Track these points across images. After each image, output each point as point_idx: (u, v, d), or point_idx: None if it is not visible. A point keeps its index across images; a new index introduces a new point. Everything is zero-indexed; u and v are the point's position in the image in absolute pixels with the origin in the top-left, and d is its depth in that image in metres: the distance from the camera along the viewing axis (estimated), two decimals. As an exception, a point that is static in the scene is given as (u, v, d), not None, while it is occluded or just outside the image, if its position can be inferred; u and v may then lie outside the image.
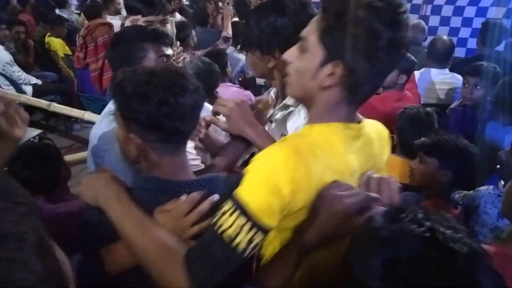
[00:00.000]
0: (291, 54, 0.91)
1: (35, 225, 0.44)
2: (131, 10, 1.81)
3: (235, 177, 0.91)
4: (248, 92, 3.07)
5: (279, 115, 1.26)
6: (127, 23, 1.86)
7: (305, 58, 0.86)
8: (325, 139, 0.86)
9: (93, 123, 3.10)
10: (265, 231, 0.80)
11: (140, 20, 1.82)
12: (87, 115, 3.39)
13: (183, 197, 0.94)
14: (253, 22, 1.20)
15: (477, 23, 5.26)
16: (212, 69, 2.43)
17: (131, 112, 0.92)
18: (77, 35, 4.19)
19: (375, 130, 0.98)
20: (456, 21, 5.88)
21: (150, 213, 0.92)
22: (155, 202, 0.94)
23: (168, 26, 1.87)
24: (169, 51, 1.40)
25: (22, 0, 5.48)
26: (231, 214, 0.79)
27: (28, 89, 4.27)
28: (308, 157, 0.82)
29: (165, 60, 1.36)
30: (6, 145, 0.96)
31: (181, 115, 0.92)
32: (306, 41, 0.86)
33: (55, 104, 3.71)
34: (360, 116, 0.95)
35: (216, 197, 0.96)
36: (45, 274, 0.41)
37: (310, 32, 0.86)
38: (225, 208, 0.81)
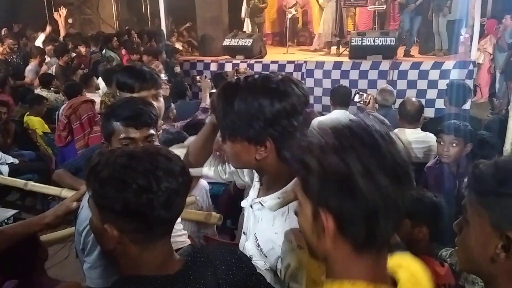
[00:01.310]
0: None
1: None
2: (122, 87, 1.76)
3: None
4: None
5: (267, 203, 1.12)
6: None
7: (301, 214, 0.76)
8: None
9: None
10: None
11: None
12: (65, 193, 3.30)
13: None
14: (239, 106, 1.00)
15: (442, 84, 5.59)
16: (182, 138, 2.42)
17: (106, 199, 0.82)
18: (57, 113, 4.23)
19: None
20: (422, 84, 6.23)
21: None
22: None
23: (161, 99, 1.86)
24: (150, 131, 1.38)
25: (0, 82, 5.56)
26: None
27: (4, 168, 4.19)
28: None
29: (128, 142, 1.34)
30: None
31: (165, 202, 0.82)
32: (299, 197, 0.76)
33: (31, 183, 3.61)
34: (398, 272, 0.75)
35: None
36: None
37: (297, 187, 0.76)
38: None
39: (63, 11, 7.68)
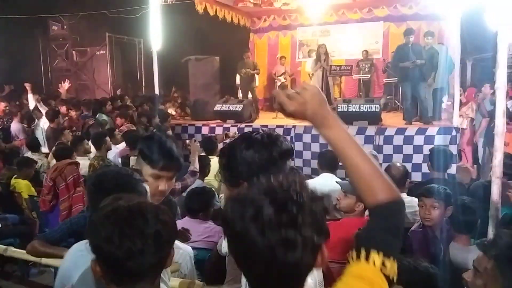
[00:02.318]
0: None
1: None
2: (145, 159, 1.77)
3: None
4: (220, 228, 3.09)
5: None
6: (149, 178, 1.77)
7: None
8: None
9: (52, 267, 2.92)
10: None
11: (150, 170, 1.76)
12: (45, 259, 3.22)
13: None
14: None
15: (427, 149, 5.73)
16: (171, 203, 2.45)
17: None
18: (45, 177, 4.25)
19: None
20: (408, 149, 6.37)
21: None
22: None
23: (173, 182, 1.89)
24: None
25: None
26: None
27: (-13, 232, 4.10)
28: None
29: None
30: None
31: (127, 257, 0.96)
32: None
33: (12, 249, 3.51)
34: None
35: None
36: None
37: None
38: None
39: (66, 84, 8.27)
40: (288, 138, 7.00)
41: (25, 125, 6.77)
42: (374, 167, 0.97)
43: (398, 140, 6.44)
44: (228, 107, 8.11)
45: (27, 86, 7.54)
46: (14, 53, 11.88)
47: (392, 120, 7.67)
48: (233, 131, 7.03)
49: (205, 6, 9.20)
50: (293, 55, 11.72)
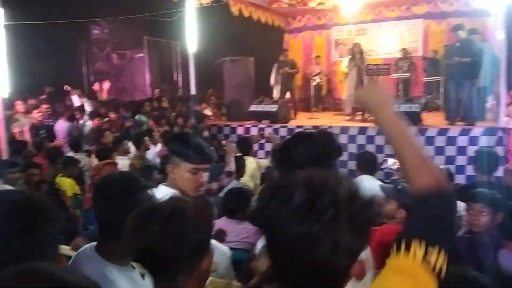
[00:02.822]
0: None
1: None
2: (181, 156, 1.90)
3: None
4: (258, 229, 3.08)
5: None
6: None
7: None
8: None
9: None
10: None
11: (189, 166, 1.89)
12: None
13: None
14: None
15: (472, 151, 5.49)
16: (208, 203, 2.48)
17: None
18: (87, 175, 4.40)
19: None
20: (450, 150, 6.14)
21: None
22: None
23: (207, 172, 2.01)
24: None
25: (37, 145, 5.85)
26: None
27: (33, 229, 4.28)
28: None
29: None
30: None
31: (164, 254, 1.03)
32: None
33: (57, 245, 3.65)
34: None
35: None
36: None
37: None
38: None
39: (106, 84, 8.49)
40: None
41: (74, 123, 6.99)
42: (423, 153, 0.97)
43: (440, 141, 6.21)
44: (264, 108, 8.10)
45: (68, 88, 7.81)
46: (57, 57, 12.40)
47: (433, 121, 7.40)
48: (269, 131, 7.01)
49: (240, 7, 9.25)
50: (329, 55, 11.58)
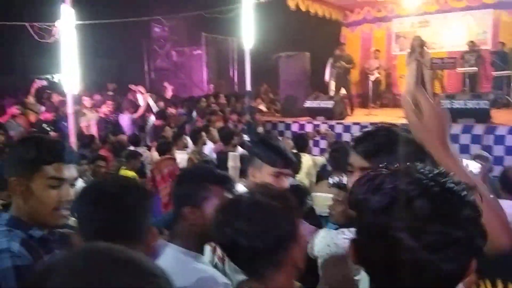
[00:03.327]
0: None
1: None
2: (265, 160, 1.88)
3: None
4: (313, 228, 3.03)
5: None
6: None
7: None
8: None
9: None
10: None
11: (271, 170, 1.87)
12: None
13: None
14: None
15: (547, 151, 5.06)
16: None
17: None
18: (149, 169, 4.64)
19: None
20: (523, 150, 5.69)
21: None
22: None
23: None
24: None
25: (103, 139, 6.18)
26: None
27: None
28: None
29: None
30: None
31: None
32: None
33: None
34: None
35: None
36: None
37: None
38: None
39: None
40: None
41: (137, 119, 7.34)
42: (498, 211, 0.87)
43: (511, 140, 5.77)
44: (319, 104, 7.97)
45: (133, 87, 8.15)
46: (119, 55, 13.03)
47: (504, 118, 6.88)
48: (324, 128, 6.90)
49: (297, 2, 9.16)
50: (389, 49, 11.17)
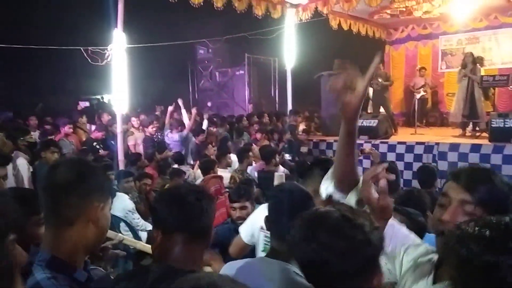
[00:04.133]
0: None
1: None
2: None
3: None
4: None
5: None
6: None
7: None
8: None
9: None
10: None
11: None
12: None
13: None
14: None
15: None
16: None
17: None
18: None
19: None
20: None
21: None
22: None
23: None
24: None
25: (149, 157, 6.37)
26: None
27: (144, 235, 4.62)
28: None
29: None
30: None
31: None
32: None
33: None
34: None
35: None
36: None
37: None
38: None
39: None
40: (430, 156, 6.45)
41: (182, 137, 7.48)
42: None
43: None
44: (362, 122, 7.81)
45: (180, 102, 8.33)
46: (166, 76, 13.52)
47: None
48: (368, 147, 6.75)
49: (339, 21, 9.16)
50: (435, 66, 10.87)
